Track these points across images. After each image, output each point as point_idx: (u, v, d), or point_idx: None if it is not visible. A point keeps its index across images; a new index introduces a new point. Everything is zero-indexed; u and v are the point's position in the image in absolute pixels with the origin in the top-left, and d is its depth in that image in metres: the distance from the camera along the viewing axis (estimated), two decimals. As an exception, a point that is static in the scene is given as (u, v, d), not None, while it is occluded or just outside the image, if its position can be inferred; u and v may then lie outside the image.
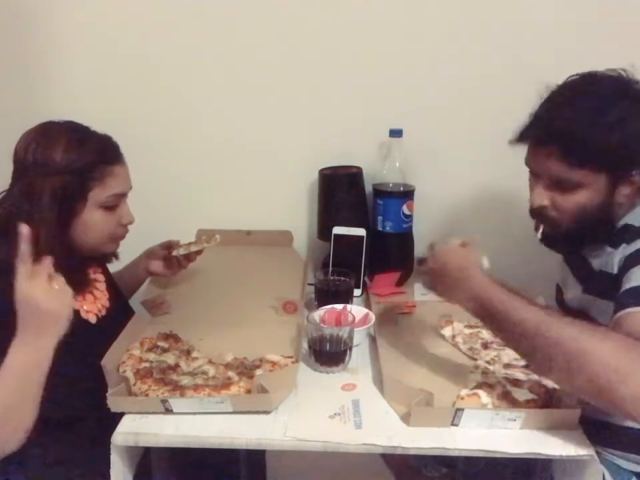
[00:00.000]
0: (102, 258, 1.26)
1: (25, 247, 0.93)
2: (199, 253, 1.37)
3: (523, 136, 1.13)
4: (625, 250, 1.06)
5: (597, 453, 0.92)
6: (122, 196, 1.17)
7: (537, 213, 1.15)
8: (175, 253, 1.35)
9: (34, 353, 0.92)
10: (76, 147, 1.09)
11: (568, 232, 1.13)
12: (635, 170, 1.05)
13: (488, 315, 0.99)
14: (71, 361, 1.04)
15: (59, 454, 1.10)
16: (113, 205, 1.15)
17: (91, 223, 1.12)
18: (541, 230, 1.17)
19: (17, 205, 1.07)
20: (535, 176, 1.14)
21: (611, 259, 1.08)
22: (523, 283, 1.49)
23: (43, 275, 0.92)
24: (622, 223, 1.10)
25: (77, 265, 1.13)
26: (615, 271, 1.06)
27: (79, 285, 1.15)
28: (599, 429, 1.02)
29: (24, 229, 0.93)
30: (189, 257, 1.38)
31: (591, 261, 1.15)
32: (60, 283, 0.95)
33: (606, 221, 1.10)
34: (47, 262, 0.94)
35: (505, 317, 0.96)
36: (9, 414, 0.92)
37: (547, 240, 1.18)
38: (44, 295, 0.91)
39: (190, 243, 1.36)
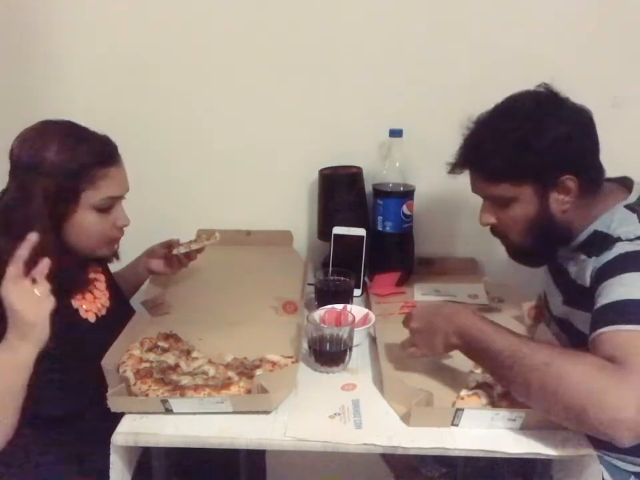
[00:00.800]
0: (101, 259, 1.26)
1: (23, 251, 0.95)
2: (199, 251, 1.37)
3: (451, 166, 1.19)
4: (596, 262, 1.06)
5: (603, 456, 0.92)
6: (116, 199, 1.16)
7: (492, 232, 1.21)
8: (175, 251, 1.34)
9: (12, 356, 0.95)
10: (70, 148, 1.08)
11: (523, 246, 1.16)
12: (563, 176, 1.07)
13: (471, 349, 1.00)
14: (70, 360, 1.04)
15: (59, 454, 1.10)
16: (106, 207, 1.14)
17: (84, 224, 1.11)
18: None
19: (10, 204, 1.07)
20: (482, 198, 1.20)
21: (584, 270, 1.09)
22: (522, 284, 1.50)
23: (26, 279, 0.93)
24: (591, 229, 1.11)
25: (73, 265, 1.13)
26: (588, 283, 1.07)
27: (77, 284, 1.16)
28: None
29: (32, 237, 0.96)
30: (190, 256, 1.38)
31: (569, 270, 1.16)
32: (42, 289, 0.95)
33: (556, 230, 1.12)
34: (42, 266, 0.95)
35: (485, 346, 0.96)
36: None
37: (512, 255, 1.22)
38: (20, 299, 0.93)
39: (190, 242, 1.36)
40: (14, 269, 0.94)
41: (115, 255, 1.27)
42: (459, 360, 1.13)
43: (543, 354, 0.90)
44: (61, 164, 1.06)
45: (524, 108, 1.10)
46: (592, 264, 1.07)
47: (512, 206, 1.12)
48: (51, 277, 0.99)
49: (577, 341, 1.12)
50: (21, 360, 0.95)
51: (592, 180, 1.10)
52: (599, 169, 1.12)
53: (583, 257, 1.11)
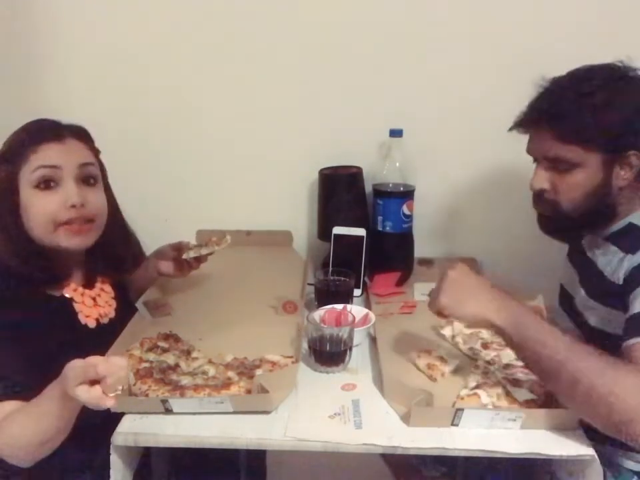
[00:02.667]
0: (111, 265, 1.24)
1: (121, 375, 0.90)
2: (209, 254, 1.35)
3: (518, 122, 1.16)
4: (631, 261, 1.05)
5: (599, 452, 0.92)
6: (53, 170, 1.07)
7: (537, 199, 1.17)
8: (185, 256, 1.31)
9: (60, 410, 0.95)
10: (14, 137, 1.09)
11: (567, 216, 1.13)
12: (630, 151, 1.06)
13: (519, 334, 0.95)
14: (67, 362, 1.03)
15: (58, 456, 1.09)
16: (43, 183, 1.07)
17: (28, 205, 1.07)
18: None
19: None
20: (536, 161, 1.16)
21: (617, 266, 1.08)
22: (523, 283, 1.50)
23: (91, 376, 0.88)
24: (627, 220, 1.10)
25: (46, 258, 1.11)
26: (621, 281, 1.06)
27: (58, 278, 1.14)
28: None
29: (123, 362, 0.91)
30: (200, 259, 1.36)
31: (596, 261, 1.15)
32: (94, 393, 0.89)
33: (606, 206, 1.10)
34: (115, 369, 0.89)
35: (538, 337, 0.93)
36: (41, 442, 0.98)
37: (547, 226, 1.19)
38: (77, 390, 0.89)
39: (201, 246, 1.33)
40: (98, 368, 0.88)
41: (127, 265, 1.27)
42: (458, 359, 1.14)
43: (595, 360, 0.89)
44: (3, 153, 1.09)
45: (603, 76, 1.07)
46: (627, 262, 1.05)
47: (574, 171, 1.09)
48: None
49: (592, 336, 1.12)
50: (64, 409, 0.95)
51: None
52: None
53: (613, 248, 1.10)
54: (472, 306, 0.99)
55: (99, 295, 1.21)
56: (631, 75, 1.08)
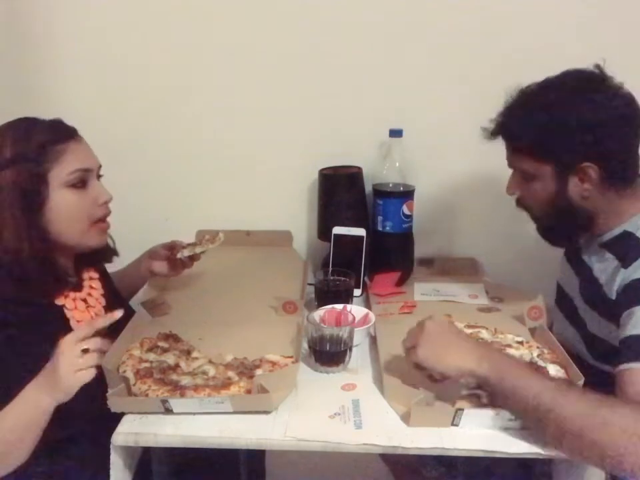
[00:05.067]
0: (100, 255, 1.23)
1: (100, 323, 0.99)
2: (203, 252, 1.35)
3: (486, 131, 1.19)
4: (625, 275, 1.04)
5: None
6: (87, 172, 1.11)
7: (517, 203, 1.22)
8: (179, 255, 1.32)
9: (36, 402, 0.98)
10: (23, 137, 1.07)
11: (541, 221, 1.18)
12: (583, 163, 1.06)
13: (502, 384, 0.92)
14: None
15: (59, 456, 1.09)
16: (79, 183, 1.09)
17: (62, 205, 1.07)
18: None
19: None
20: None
21: (611, 278, 1.07)
22: (523, 283, 1.50)
23: (83, 345, 0.96)
24: (622, 228, 1.10)
25: (54, 262, 1.11)
26: (614, 296, 1.06)
27: (65, 284, 1.13)
28: None
29: (118, 314, 1.00)
30: (194, 257, 1.36)
31: (592, 267, 1.15)
32: (87, 362, 0.97)
33: (574, 213, 1.12)
34: (98, 340, 0.99)
35: (521, 385, 0.91)
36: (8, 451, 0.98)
37: (538, 231, 1.22)
38: (66, 365, 0.95)
39: (194, 244, 1.34)
40: (81, 333, 0.98)
41: (114, 252, 1.26)
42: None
43: (585, 405, 0.86)
44: (19, 153, 1.05)
45: (563, 86, 1.08)
46: (621, 276, 1.05)
47: (533, 181, 1.12)
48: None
49: (588, 340, 1.12)
50: (43, 408, 0.98)
51: (617, 174, 1.07)
52: (631, 164, 1.09)
53: (608, 255, 1.10)
54: (453, 358, 0.97)
55: (89, 295, 1.20)
56: (596, 83, 1.07)
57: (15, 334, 1.03)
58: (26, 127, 1.09)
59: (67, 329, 1.11)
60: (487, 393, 0.99)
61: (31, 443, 0.99)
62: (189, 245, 1.35)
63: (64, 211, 1.08)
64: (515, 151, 1.14)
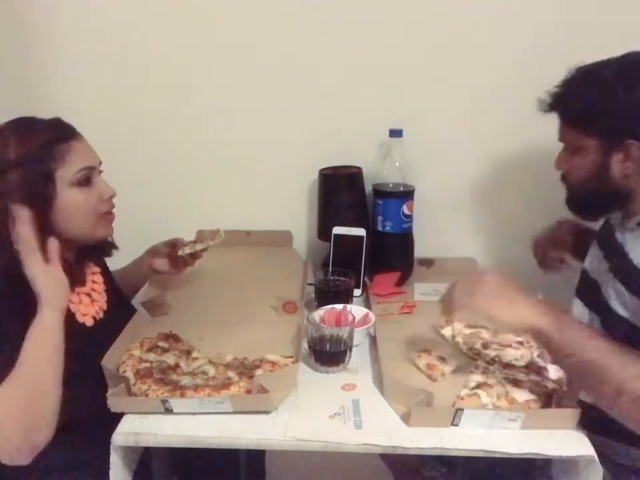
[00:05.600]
0: (101, 250, 1.24)
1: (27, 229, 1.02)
2: (204, 250, 1.36)
3: (541, 102, 1.18)
4: None
5: (597, 448, 0.92)
6: (91, 169, 1.13)
7: (561, 178, 1.22)
8: (180, 252, 1.33)
9: (40, 325, 1.00)
10: (26, 137, 1.07)
11: (578, 196, 1.19)
12: (628, 140, 1.07)
13: (558, 339, 0.96)
14: (68, 365, 1.03)
15: (59, 456, 1.10)
16: (85, 181, 1.11)
17: (72, 203, 1.09)
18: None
19: None
20: None
21: None
22: (523, 283, 1.50)
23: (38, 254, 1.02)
24: None
25: (69, 259, 1.12)
26: None
27: (75, 281, 1.14)
28: (605, 419, 1.02)
29: (52, 243, 1.05)
30: (195, 255, 1.37)
31: (625, 244, 1.15)
32: (52, 255, 1.04)
33: (612, 190, 1.13)
34: (52, 245, 1.04)
35: (582, 341, 0.94)
36: (32, 396, 0.96)
37: (568, 205, 1.23)
38: (37, 272, 1.01)
39: (195, 242, 1.35)
40: (28, 243, 1.02)
41: (113, 246, 1.26)
42: (458, 359, 1.14)
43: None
44: (23, 154, 1.05)
45: (621, 65, 1.09)
46: None
47: (578, 154, 1.14)
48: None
49: (610, 322, 1.12)
50: (46, 325, 1.00)
51: None
52: None
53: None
54: (515, 310, 1.00)
55: (93, 290, 1.21)
56: None
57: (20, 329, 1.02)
58: (27, 126, 1.09)
59: (73, 322, 1.12)
60: (487, 393, 0.99)
61: (53, 381, 0.99)
62: (189, 242, 1.36)
63: (72, 209, 1.10)
64: (566, 123, 1.15)
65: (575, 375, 0.97)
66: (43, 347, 0.99)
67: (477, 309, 1.02)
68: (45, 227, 1.06)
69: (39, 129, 1.09)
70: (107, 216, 1.18)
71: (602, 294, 1.19)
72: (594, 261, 1.27)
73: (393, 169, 1.52)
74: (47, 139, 1.07)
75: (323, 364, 1.14)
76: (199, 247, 1.33)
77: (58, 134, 1.09)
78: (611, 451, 1.09)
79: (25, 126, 1.10)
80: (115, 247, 1.27)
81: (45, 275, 1.02)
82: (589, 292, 1.25)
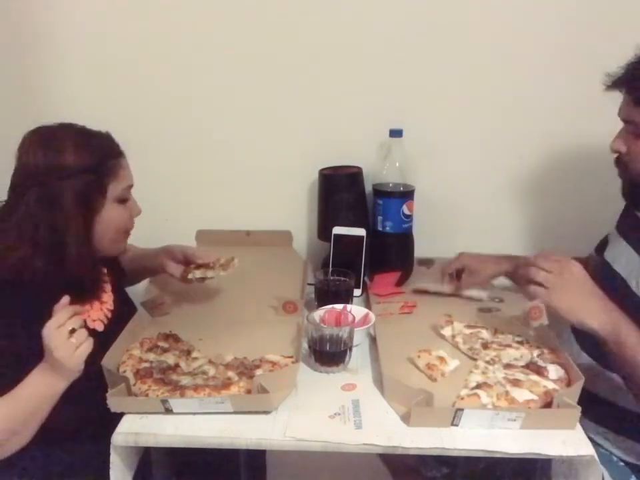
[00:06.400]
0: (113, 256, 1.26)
1: (67, 306, 1.02)
2: (213, 278, 1.33)
3: (609, 81, 1.15)
4: None
5: (597, 445, 0.92)
6: (131, 187, 1.19)
7: (615, 161, 1.19)
8: (190, 276, 1.32)
9: (45, 387, 1.01)
10: (84, 146, 1.09)
11: (635, 181, 1.16)
12: None
13: (616, 348, 1.00)
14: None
15: (59, 456, 1.10)
16: (126, 198, 1.17)
17: (112, 218, 1.14)
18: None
19: (34, 213, 1.05)
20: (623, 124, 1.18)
21: None
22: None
23: (67, 327, 1.00)
24: None
25: (96, 273, 1.16)
26: None
27: (94, 293, 1.16)
28: (610, 411, 1.03)
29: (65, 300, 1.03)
30: (205, 279, 1.35)
31: None
32: (80, 337, 1.01)
33: None
34: (78, 318, 1.02)
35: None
36: (11, 436, 1.00)
37: (622, 190, 1.22)
38: (59, 347, 0.98)
39: (207, 266, 1.32)
40: (60, 317, 1.00)
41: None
42: (458, 359, 1.14)
43: None
44: (82, 162, 1.07)
45: None
46: None
47: None
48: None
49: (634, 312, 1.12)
50: (52, 392, 1.02)
51: None
52: None
53: None
54: (581, 312, 1.03)
55: (103, 291, 1.21)
56: None
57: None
58: (84, 136, 1.12)
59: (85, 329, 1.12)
60: (487, 393, 0.99)
61: (32, 429, 1.01)
62: (202, 264, 1.33)
63: (111, 223, 1.14)
64: (635, 102, 1.11)
65: (632, 381, 1.00)
66: (38, 405, 1.01)
67: (550, 304, 1.05)
68: (85, 236, 1.09)
69: (95, 141, 1.12)
70: (128, 233, 1.22)
71: (627, 285, 1.18)
72: (619, 256, 1.25)
73: (393, 169, 1.52)
74: (102, 152, 1.11)
75: (323, 364, 1.14)
76: (209, 274, 1.32)
77: (112, 149, 1.14)
78: (615, 450, 1.10)
79: (80, 135, 1.11)
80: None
81: (72, 355, 1.00)
82: (609, 284, 1.24)
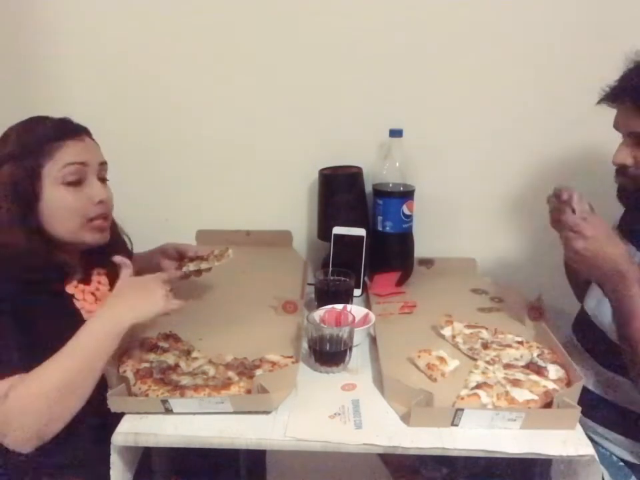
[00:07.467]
0: (110, 256, 1.23)
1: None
2: (208, 270, 1.33)
3: (605, 96, 1.14)
4: None
5: (597, 445, 0.92)
6: (81, 167, 1.10)
7: (618, 173, 1.17)
8: (184, 269, 1.31)
9: (110, 324, 1.01)
10: (25, 134, 1.08)
11: None
12: None
13: (615, 305, 1.04)
14: None
15: (59, 456, 1.09)
16: (74, 181, 1.09)
17: (56, 202, 1.08)
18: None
19: None
20: (623, 136, 1.16)
21: None
22: (523, 283, 1.50)
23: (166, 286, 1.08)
24: None
25: (54, 254, 1.11)
26: None
27: (69, 273, 1.15)
28: (611, 411, 1.03)
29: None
30: (200, 271, 1.35)
31: None
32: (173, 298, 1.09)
33: None
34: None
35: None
36: (68, 393, 0.97)
37: (626, 200, 1.21)
38: (159, 289, 1.06)
39: (201, 259, 1.33)
40: (165, 277, 1.10)
41: (128, 252, 1.27)
42: (458, 359, 1.14)
43: None
44: (17, 148, 1.06)
45: None
46: None
47: None
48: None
49: None
50: (121, 325, 1.02)
51: None
52: None
53: None
54: (591, 264, 1.06)
55: (97, 289, 1.21)
56: None
57: (24, 317, 1.02)
58: (32, 124, 1.10)
59: (77, 316, 1.13)
60: (487, 393, 0.99)
61: (89, 387, 0.99)
62: (197, 257, 1.34)
63: (56, 207, 1.09)
64: (636, 111, 1.09)
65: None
66: (100, 345, 1.00)
67: (576, 249, 1.06)
68: (30, 224, 1.06)
69: (42, 126, 1.10)
70: (96, 222, 1.13)
71: None
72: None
73: (393, 169, 1.52)
74: (42, 135, 1.08)
75: (322, 364, 1.14)
76: (204, 265, 1.31)
77: (57, 132, 1.09)
78: (614, 447, 1.10)
79: (30, 123, 1.10)
80: (130, 254, 1.28)
81: (163, 295, 1.07)
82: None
